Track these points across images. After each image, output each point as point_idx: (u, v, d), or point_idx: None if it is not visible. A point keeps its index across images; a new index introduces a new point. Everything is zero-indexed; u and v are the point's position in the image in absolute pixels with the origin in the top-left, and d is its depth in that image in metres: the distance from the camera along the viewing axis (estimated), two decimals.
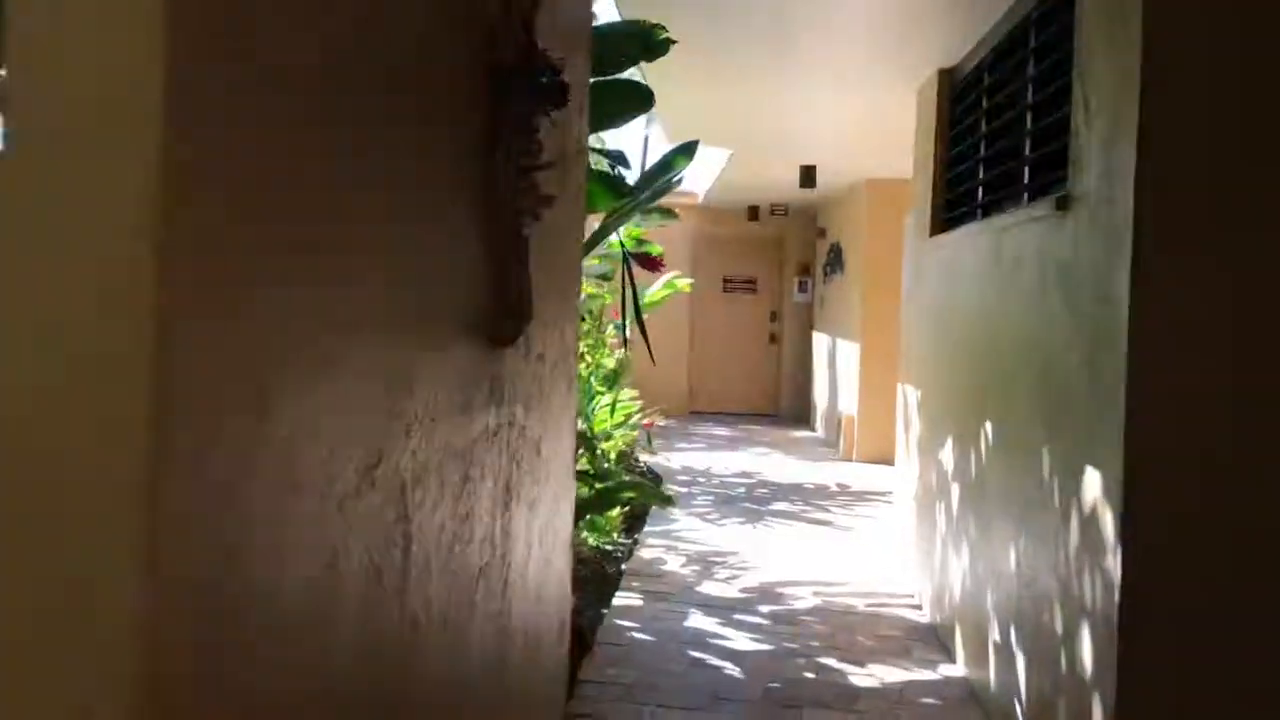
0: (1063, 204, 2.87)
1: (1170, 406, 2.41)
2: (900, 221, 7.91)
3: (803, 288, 12.14)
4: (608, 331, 8.05)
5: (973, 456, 3.87)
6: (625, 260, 3.65)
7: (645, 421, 6.62)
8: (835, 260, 10.37)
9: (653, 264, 3.75)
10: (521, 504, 1.90)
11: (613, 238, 4.12)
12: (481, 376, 1.65)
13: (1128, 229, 2.41)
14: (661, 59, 5.23)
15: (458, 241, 1.57)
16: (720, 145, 7.81)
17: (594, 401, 5.56)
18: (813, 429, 11.25)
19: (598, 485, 3.86)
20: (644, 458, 8.46)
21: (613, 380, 7.46)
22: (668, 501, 3.92)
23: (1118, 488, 2.43)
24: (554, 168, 1.75)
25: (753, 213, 11.42)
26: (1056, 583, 2.84)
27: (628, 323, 4.58)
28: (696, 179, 11.17)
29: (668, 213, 4.05)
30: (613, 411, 5.30)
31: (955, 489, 4.14)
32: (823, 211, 11.36)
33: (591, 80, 2.94)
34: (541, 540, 2.11)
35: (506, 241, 1.66)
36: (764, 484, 7.82)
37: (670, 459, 8.80)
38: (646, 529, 6.07)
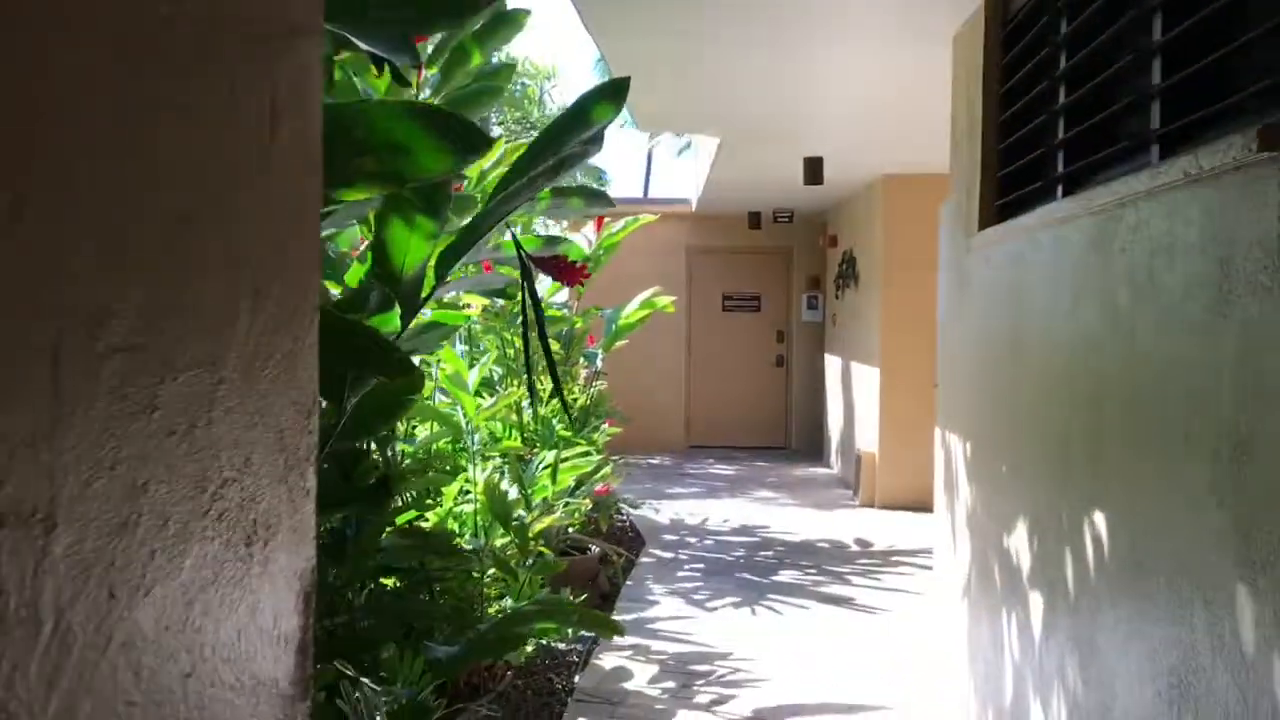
0: (1273, 138, 1.55)
1: None
2: (924, 223, 6.57)
3: (812, 304, 10.75)
4: (580, 363, 6.73)
5: (1068, 558, 2.53)
6: (523, 265, 2.33)
7: (599, 486, 5.27)
8: (849, 271, 9.03)
9: (569, 272, 2.44)
10: None
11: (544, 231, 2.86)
12: None
13: None
14: (624, 23, 3.92)
15: None
16: (704, 132, 6.51)
17: (539, 458, 4.24)
18: (828, 465, 9.86)
19: (496, 620, 2.52)
20: (627, 510, 7.12)
21: (583, 421, 6.13)
22: (610, 629, 2.59)
23: None
24: None
25: (754, 220, 10.09)
26: None
27: (532, 351, 3.27)
28: (687, 183, 9.86)
29: (597, 195, 2.72)
30: (554, 475, 3.98)
31: (1037, 600, 2.79)
32: (834, 216, 10.03)
33: None
34: None
35: None
36: (768, 543, 6.45)
37: (659, 509, 7.45)
38: (615, 616, 4.72)
